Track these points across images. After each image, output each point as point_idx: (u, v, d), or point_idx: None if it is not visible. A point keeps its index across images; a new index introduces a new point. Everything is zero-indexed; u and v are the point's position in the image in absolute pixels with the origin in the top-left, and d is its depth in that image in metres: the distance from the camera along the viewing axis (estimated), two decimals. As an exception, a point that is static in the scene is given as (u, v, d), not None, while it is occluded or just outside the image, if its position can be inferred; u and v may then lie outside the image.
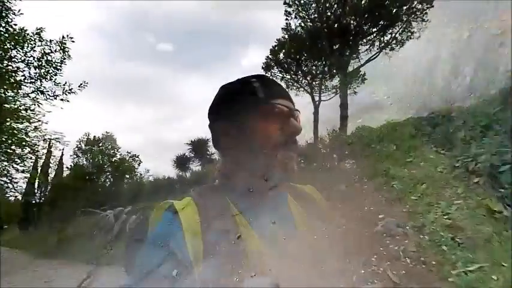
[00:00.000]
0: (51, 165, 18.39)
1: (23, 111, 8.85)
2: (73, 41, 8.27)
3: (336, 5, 16.66)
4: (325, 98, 19.73)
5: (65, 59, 8.27)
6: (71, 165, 20.68)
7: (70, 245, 10.26)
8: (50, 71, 8.17)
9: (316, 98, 19.40)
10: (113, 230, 9.19)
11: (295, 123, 0.63)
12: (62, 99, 8.59)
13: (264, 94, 0.63)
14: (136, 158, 23.05)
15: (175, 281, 0.51)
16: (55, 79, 8.45)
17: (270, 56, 19.47)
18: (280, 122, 0.62)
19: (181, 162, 13.74)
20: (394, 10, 16.02)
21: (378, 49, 17.41)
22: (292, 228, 0.63)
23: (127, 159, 22.39)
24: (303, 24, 18.02)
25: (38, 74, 8.14)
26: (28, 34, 7.91)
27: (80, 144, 22.22)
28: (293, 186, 0.74)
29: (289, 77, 18.87)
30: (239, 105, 0.64)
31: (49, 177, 19.57)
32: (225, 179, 0.66)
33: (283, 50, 19.12)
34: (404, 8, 15.93)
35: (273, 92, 0.65)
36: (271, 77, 0.72)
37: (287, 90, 0.71)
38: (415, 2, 15.97)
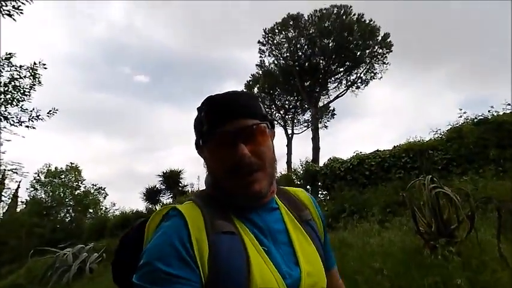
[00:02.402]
0: (3, 198, 16.76)
1: (-23, 139, 8.23)
2: (45, 68, 8.07)
3: (306, 46, 17.99)
4: (297, 131, 20.57)
5: (34, 85, 7.98)
6: (26, 199, 19.03)
7: (19, 289, 9.10)
8: (17, 97, 7.81)
9: (289, 131, 20.13)
10: (71, 270, 8.32)
11: (238, 150, 0.58)
12: (27, 126, 8.12)
13: (207, 124, 0.61)
14: (102, 191, 21.78)
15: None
16: (22, 105, 8.07)
17: (244, 90, 20.12)
18: (225, 150, 0.60)
19: (151, 194, 13.13)
20: (358, 53, 17.63)
21: (345, 87, 18.81)
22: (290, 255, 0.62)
23: (92, 192, 21.08)
24: (276, 62, 19.16)
25: (2, 100, 7.74)
26: (-4, 59, 7.65)
27: (38, 176, 20.72)
28: (284, 191, 0.75)
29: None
30: (196, 135, 0.66)
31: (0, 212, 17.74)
32: (214, 192, 0.66)
33: (258, 85, 19.95)
34: (367, 51, 17.60)
35: (217, 118, 0.61)
36: (220, 96, 0.64)
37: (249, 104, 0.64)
38: (376, 47, 17.76)
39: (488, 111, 6.54)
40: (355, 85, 18.70)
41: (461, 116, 6.97)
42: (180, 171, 13.30)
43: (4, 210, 17.20)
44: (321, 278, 0.64)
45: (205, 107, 0.63)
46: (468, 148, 6.12)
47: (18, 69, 7.89)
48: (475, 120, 6.55)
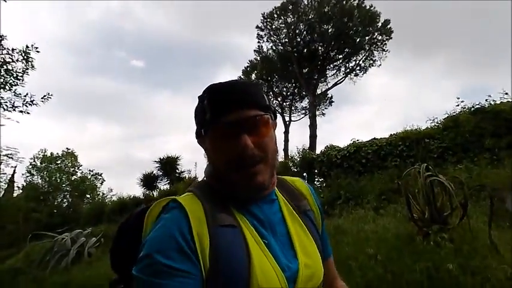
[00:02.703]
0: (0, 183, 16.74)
1: (-29, 125, 8.11)
2: (38, 51, 7.85)
3: (305, 32, 17.69)
4: (295, 119, 20.54)
5: (27, 69, 7.74)
6: (23, 185, 19.02)
7: (18, 274, 9.21)
8: (10, 81, 7.65)
9: (287, 118, 20.08)
10: (69, 254, 8.42)
11: (241, 141, 0.57)
12: (21, 111, 7.93)
13: (210, 113, 0.60)
14: (99, 177, 21.80)
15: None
16: (15, 89, 7.88)
17: (242, 76, 19.95)
18: (228, 140, 0.59)
19: (148, 180, 13.15)
20: (358, 39, 17.40)
21: (343, 74, 18.65)
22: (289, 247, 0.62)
23: (88, 177, 21.10)
24: (274, 48, 18.87)
25: (-6, 84, 7.60)
26: (-13, 41, 7.44)
27: (34, 161, 20.63)
28: (282, 180, 0.75)
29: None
30: (197, 124, 0.65)
31: (-4, 198, 17.76)
32: (216, 183, 0.65)
33: (255, 71, 19.73)
34: (367, 38, 17.37)
35: (220, 107, 0.59)
36: (223, 85, 0.63)
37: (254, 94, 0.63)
38: (376, 34, 17.52)
39: (486, 100, 6.56)
40: (354, 72, 18.56)
41: (458, 105, 6.99)
42: (177, 157, 13.30)
43: (1, 195, 17.21)
44: (318, 270, 0.64)
45: (207, 95, 0.62)
46: (464, 137, 6.16)
47: (10, 52, 7.68)
48: (472, 109, 6.56)
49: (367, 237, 4.17)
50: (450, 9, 26.25)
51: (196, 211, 0.57)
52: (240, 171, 0.59)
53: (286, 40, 18.14)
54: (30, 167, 20.31)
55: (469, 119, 6.28)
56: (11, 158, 9.52)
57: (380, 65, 18.24)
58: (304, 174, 8.37)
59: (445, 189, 3.56)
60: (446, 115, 6.96)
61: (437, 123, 7.10)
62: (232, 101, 0.60)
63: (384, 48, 17.69)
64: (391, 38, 17.39)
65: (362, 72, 18.57)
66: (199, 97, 0.64)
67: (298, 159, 8.59)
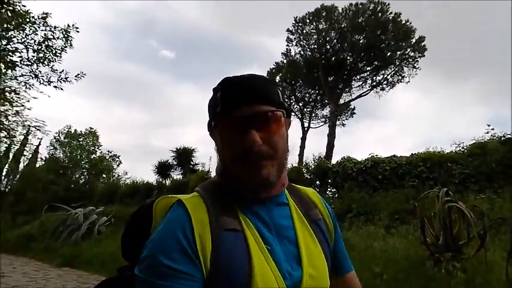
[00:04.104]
0: (25, 153, 17.56)
1: (7, 93, 8.56)
2: (78, 31, 8.24)
3: (335, 40, 17.49)
4: (314, 126, 20.33)
5: (66, 47, 8.16)
6: (45, 157, 19.87)
7: (32, 240, 9.66)
8: (49, 57, 8.07)
9: (306, 124, 19.93)
10: (80, 229, 8.74)
11: (249, 136, 0.56)
12: (55, 87, 8.33)
13: (221, 106, 0.59)
14: (117, 159, 22.43)
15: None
16: (53, 65, 8.25)
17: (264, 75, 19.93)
18: (236, 134, 0.58)
19: (162, 168, 13.41)
20: (389, 53, 17.01)
21: (369, 87, 18.27)
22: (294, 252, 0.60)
23: (106, 158, 21.76)
24: (302, 53, 18.76)
25: (35, 58, 8.02)
26: (33, 17, 7.86)
27: (59, 136, 21.51)
28: (295, 189, 0.73)
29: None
30: (209, 116, 0.64)
31: (20, 166, 18.65)
32: (223, 179, 0.65)
33: (280, 74, 19.69)
34: (398, 53, 16.95)
35: (232, 101, 0.59)
36: (237, 79, 0.62)
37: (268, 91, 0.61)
38: (409, 50, 17.07)
39: (518, 130, 6.24)
40: (380, 86, 18.16)
41: (488, 132, 6.69)
42: (193, 149, 13.49)
43: (25, 164, 18.06)
44: (324, 282, 0.62)
45: (221, 88, 0.61)
46: (490, 166, 5.89)
47: (52, 29, 8.08)
48: (502, 138, 6.27)
49: (375, 255, 4.07)
50: (489, 36, 25.19)
51: (200, 213, 0.57)
52: (245, 166, 0.58)
53: (315, 46, 18.00)
54: (54, 140, 21.21)
55: (497, 148, 6.01)
56: (39, 130, 9.95)
57: (409, 81, 17.78)
58: (318, 182, 8.29)
59: (463, 217, 3.43)
60: (474, 141, 6.69)
61: (463, 148, 6.84)
62: (244, 95, 0.58)
63: (415, 65, 17.22)
64: (424, 55, 16.90)
65: (389, 87, 18.16)
66: (213, 89, 0.63)
67: (313, 167, 8.50)
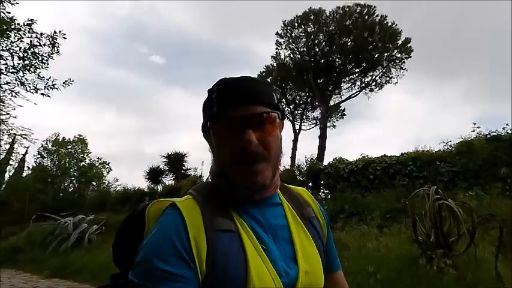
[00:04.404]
0: (11, 162, 17.11)
1: (-9, 101, 8.35)
2: (65, 38, 8.09)
3: (324, 43, 17.71)
4: (305, 128, 20.48)
5: (53, 53, 7.99)
6: (33, 165, 19.38)
7: (19, 252, 9.38)
8: (35, 64, 7.86)
9: (297, 127, 20.05)
10: (70, 238, 8.53)
11: (245, 136, 0.57)
12: (42, 94, 8.12)
13: (217, 107, 0.60)
14: (107, 166, 22.07)
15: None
16: (39, 72, 8.06)
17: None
18: (232, 135, 0.58)
19: (154, 174, 13.25)
20: (376, 55, 17.32)
21: (358, 88, 18.55)
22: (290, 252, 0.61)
23: (96, 165, 21.38)
24: (291, 56, 18.94)
25: (21, 65, 7.82)
26: (18, 24, 7.68)
27: (46, 144, 21.04)
28: (288, 188, 0.74)
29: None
30: (204, 117, 0.64)
31: (6, 175, 18.15)
32: (218, 181, 0.65)
33: (270, 77, 19.80)
34: (385, 54, 17.28)
35: (228, 101, 0.59)
36: (233, 80, 0.62)
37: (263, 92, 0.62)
38: (395, 51, 17.41)
39: (503, 128, 6.40)
40: (369, 87, 18.45)
41: (474, 131, 6.83)
42: (184, 154, 13.39)
43: (11, 174, 17.58)
44: (319, 279, 0.63)
45: (217, 88, 0.62)
46: (477, 163, 6.02)
47: (38, 36, 7.92)
48: (488, 136, 6.42)
49: (368, 254, 4.10)
50: (473, 36, 25.93)
51: (194, 216, 0.57)
52: (241, 168, 0.58)
53: (305, 49, 18.19)
54: (42, 149, 20.73)
55: (483, 146, 6.15)
56: (25, 138, 9.73)
57: (397, 82, 18.13)
58: (310, 184, 8.32)
59: (453, 215, 3.48)
60: (461, 139, 6.83)
61: (451, 146, 6.97)
62: (240, 96, 0.59)
63: (402, 66, 17.58)
64: (410, 56, 17.27)
65: (377, 88, 18.47)
66: (208, 90, 0.64)
67: (305, 169, 8.54)
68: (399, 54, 17.35)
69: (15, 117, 8.92)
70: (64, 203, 13.95)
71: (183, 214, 0.56)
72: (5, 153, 13.88)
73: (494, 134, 6.37)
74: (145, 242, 0.55)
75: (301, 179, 8.41)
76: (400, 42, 17.01)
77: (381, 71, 17.89)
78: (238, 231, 0.58)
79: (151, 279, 0.49)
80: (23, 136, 9.61)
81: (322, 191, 8.14)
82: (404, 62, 17.43)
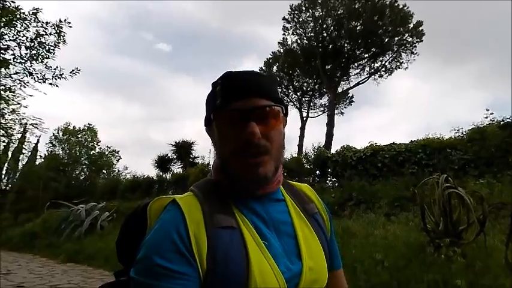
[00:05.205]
0: (24, 151, 17.52)
1: (2, 92, 8.46)
2: (70, 26, 8.06)
3: (332, 27, 17.24)
4: (312, 115, 20.27)
5: (59, 42, 7.97)
6: (45, 154, 19.81)
7: (35, 238, 9.74)
8: (42, 54, 7.90)
9: (304, 114, 19.86)
10: (83, 225, 8.80)
11: (248, 128, 0.56)
12: (50, 84, 8.17)
13: (221, 99, 0.60)
14: (116, 154, 22.40)
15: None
16: (46, 62, 8.08)
17: (263, 68, 19.80)
18: (235, 127, 0.58)
19: (162, 162, 13.43)
20: (386, 40, 16.80)
21: (367, 74, 18.12)
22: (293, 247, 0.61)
23: (106, 153, 21.73)
24: (299, 41, 18.53)
25: (28, 55, 7.86)
26: (23, 13, 7.64)
27: (57, 133, 21.39)
28: (290, 185, 0.74)
29: (280, 90, 19.23)
30: (207, 111, 0.64)
31: (20, 164, 18.63)
32: (220, 176, 0.64)
33: (277, 64, 19.50)
34: (396, 38, 16.75)
35: (232, 94, 0.59)
36: (238, 73, 0.62)
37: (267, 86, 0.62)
38: (406, 35, 16.86)
39: (517, 114, 6.22)
40: (379, 73, 18.02)
41: (487, 117, 6.65)
42: (192, 142, 13.50)
43: (24, 162, 18.05)
44: (323, 275, 0.63)
45: (221, 81, 0.62)
46: (489, 151, 5.90)
47: (44, 25, 7.91)
48: (502, 123, 6.26)
49: (376, 242, 4.11)
50: (487, 18, 24.87)
51: (195, 212, 0.56)
52: (243, 160, 0.58)
53: (312, 34, 17.76)
54: (53, 137, 21.12)
55: (496, 133, 6.00)
56: (36, 127, 9.89)
57: (407, 67, 17.63)
58: (317, 172, 8.31)
59: (463, 203, 3.44)
60: (473, 126, 6.67)
61: (462, 133, 6.83)
62: (244, 89, 0.59)
63: (413, 51, 17.03)
64: (422, 41, 16.70)
65: (387, 74, 18.01)
66: (213, 83, 0.64)
67: (313, 157, 8.51)
68: (410, 38, 16.79)
69: (26, 107, 9.06)
70: (76, 191, 14.32)
71: (183, 211, 0.56)
72: (17, 143, 14.21)
73: (508, 120, 6.19)
74: (146, 239, 0.55)
75: (308, 167, 8.40)
76: (411, 25, 16.43)
77: (391, 55, 17.39)
78: (239, 228, 0.57)
79: (151, 276, 0.50)
80: (34, 125, 9.77)
81: (329, 179, 8.13)
82: (415, 46, 16.88)
